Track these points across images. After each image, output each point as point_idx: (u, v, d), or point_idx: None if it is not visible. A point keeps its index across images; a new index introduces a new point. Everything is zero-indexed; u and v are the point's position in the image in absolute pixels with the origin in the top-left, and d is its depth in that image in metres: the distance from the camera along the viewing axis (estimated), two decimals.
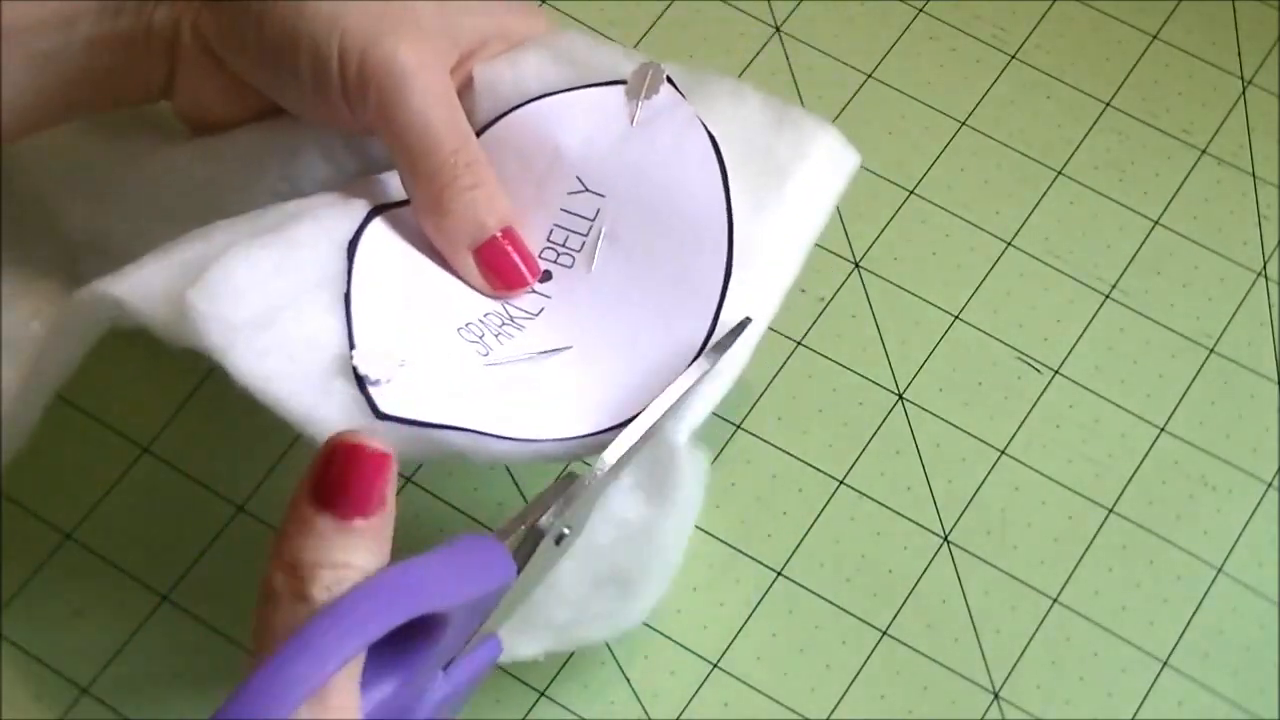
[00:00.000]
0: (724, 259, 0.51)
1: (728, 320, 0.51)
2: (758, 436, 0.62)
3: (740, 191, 0.52)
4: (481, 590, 0.43)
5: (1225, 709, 0.58)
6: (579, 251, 0.52)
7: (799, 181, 0.53)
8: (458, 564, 0.42)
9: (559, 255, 0.52)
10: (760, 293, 0.52)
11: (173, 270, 0.48)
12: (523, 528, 0.46)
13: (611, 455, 0.48)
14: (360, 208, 0.52)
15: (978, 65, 0.70)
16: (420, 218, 0.52)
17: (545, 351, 0.51)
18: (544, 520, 0.46)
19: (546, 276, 0.53)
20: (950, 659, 0.59)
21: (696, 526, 0.60)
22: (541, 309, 0.52)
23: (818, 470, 0.62)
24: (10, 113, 0.52)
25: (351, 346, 0.47)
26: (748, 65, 0.69)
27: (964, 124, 0.69)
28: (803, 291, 0.65)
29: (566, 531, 0.47)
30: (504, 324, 0.51)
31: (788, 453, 0.62)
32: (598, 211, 0.52)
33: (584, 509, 0.48)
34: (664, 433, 0.50)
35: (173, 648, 0.58)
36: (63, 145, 0.57)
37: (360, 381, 0.47)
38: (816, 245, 0.65)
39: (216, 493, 0.60)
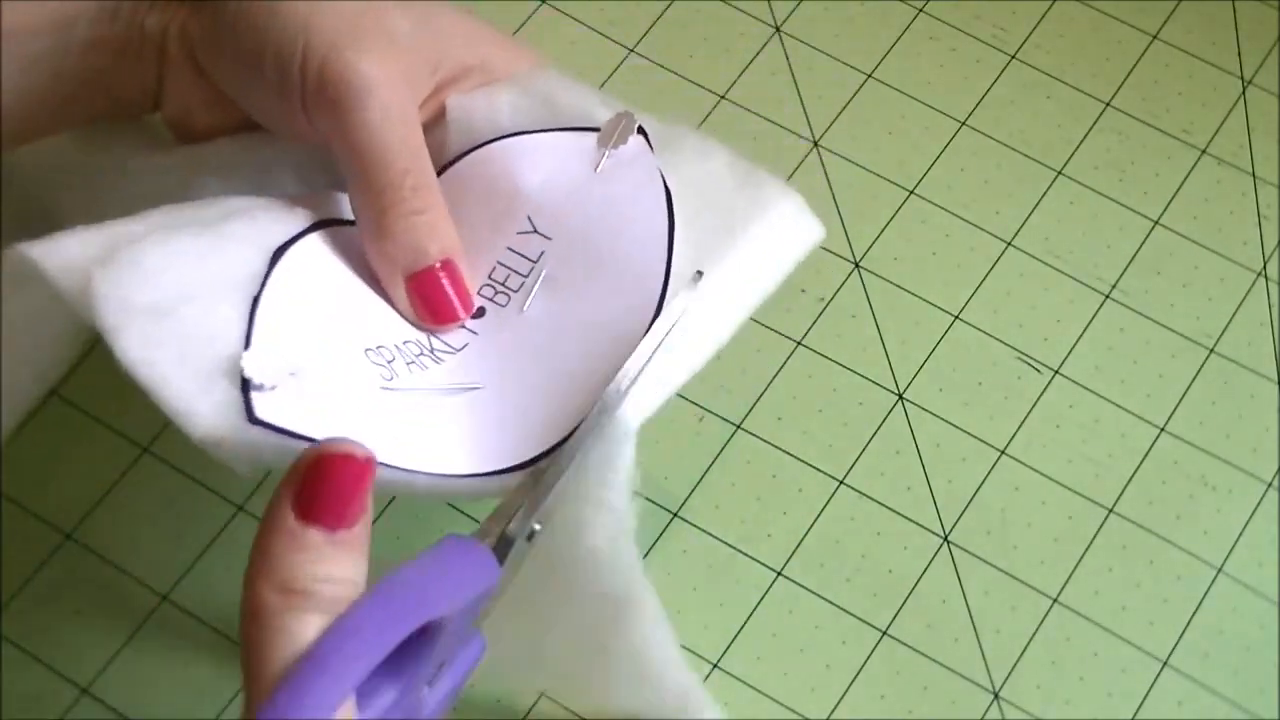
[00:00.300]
0: (652, 312, 0.50)
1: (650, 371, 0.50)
2: (758, 436, 0.62)
3: (686, 245, 0.51)
4: (474, 593, 0.43)
5: (1225, 709, 0.58)
6: (516, 291, 0.52)
7: (748, 243, 0.51)
8: (449, 569, 0.42)
9: (496, 293, 0.52)
10: (685, 350, 0.50)
11: (95, 245, 0.47)
12: (498, 529, 0.46)
13: (569, 451, 0.47)
14: (304, 218, 0.51)
15: (978, 65, 0.70)
16: (363, 236, 0.51)
17: (452, 387, 0.50)
18: (516, 521, 0.46)
19: (480, 313, 0.52)
20: (950, 659, 0.59)
21: (697, 526, 0.60)
22: (465, 344, 0.51)
23: (818, 470, 0.62)
24: (7, 117, 0.52)
25: (246, 348, 0.47)
26: (748, 65, 0.69)
27: (964, 124, 0.69)
28: (803, 292, 0.65)
29: (538, 528, 0.47)
30: (421, 354, 0.51)
31: (788, 453, 0.62)
32: (541, 254, 0.52)
33: (551, 503, 0.47)
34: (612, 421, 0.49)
35: (173, 648, 0.58)
36: (59, 152, 0.57)
37: (244, 384, 0.46)
38: (818, 245, 0.65)
39: (216, 493, 0.60)
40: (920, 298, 0.65)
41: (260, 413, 0.46)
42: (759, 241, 0.51)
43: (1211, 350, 0.64)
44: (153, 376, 0.46)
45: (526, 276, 0.52)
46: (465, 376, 0.50)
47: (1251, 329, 0.65)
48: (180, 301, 0.47)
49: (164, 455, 0.61)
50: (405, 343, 0.50)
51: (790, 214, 0.53)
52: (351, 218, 0.52)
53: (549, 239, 0.52)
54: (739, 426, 0.62)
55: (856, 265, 0.65)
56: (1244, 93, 0.70)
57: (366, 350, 0.49)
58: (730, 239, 0.51)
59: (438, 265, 0.51)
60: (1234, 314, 0.65)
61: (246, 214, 0.50)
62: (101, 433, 0.61)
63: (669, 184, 0.51)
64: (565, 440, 0.48)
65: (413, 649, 0.41)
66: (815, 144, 0.68)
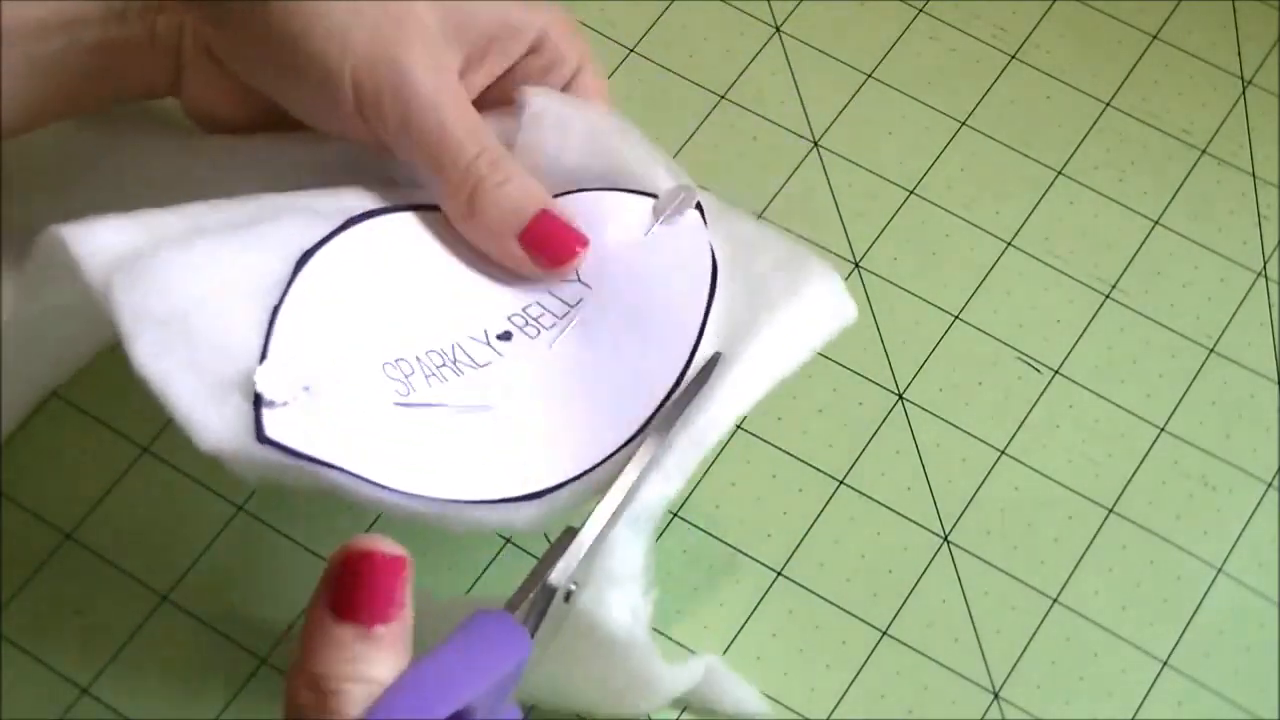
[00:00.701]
0: (677, 374, 0.50)
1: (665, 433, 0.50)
2: (758, 436, 0.62)
3: (721, 313, 0.51)
4: (502, 672, 0.42)
5: (1225, 709, 0.58)
6: (548, 329, 0.52)
7: (782, 317, 0.51)
8: (477, 650, 0.42)
9: (527, 323, 0.52)
10: (705, 416, 0.50)
11: (127, 233, 0.47)
12: (531, 595, 0.45)
13: (605, 509, 0.47)
14: (336, 217, 0.51)
15: (978, 65, 0.70)
16: (457, 224, 0.52)
17: (465, 406, 0.50)
18: (552, 580, 0.45)
19: (506, 337, 0.52)
20: (950, 659, 0.59)
21: (697, 526, 0.60)
22: (489, 363, 0.51)
23: (818, 470, 0.62)
24: (10, 111, 0.52)
25: (262, 360, 0.47)
26: (748, 65, 0.69)
27: (964, 124, 0.68)
28: None
29: (574, 588, 0.47)
30: (444, 364, 0.51)
31: (788, 453, 0.62)
32: (580, 300, 0.52)
33: (586, 562, 0.47)
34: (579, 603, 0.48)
35: (172, 646, 0.58)
36: (64, 140, 0.57)
37: (256, 399, 0.46)
38: (817, 245, 0.65)
39: (216, 493, 0.60)
40: (920, 298, 0.65)
41: (270, 431, 0.46)
42: (790, 321, 0.51)
43: (1211, 350, 0.64)
44: (165, 385, 0.46)
45: (560, 318, 0.52)
46: (480, 396, 0.50)
47: (1251, 329, 0.65)
48: (198, 310, 0.47)
49: (164, 455, 0.61)
50: (429, 352, 0.51)
51: (826, 294, 0.52)
52: (387, 204, 0.52)
53: (589, 288, 0.52)
54: (739, 426, 0.62)
55: (856, 265, 0.65)
56: (1244, 93, 0.70)
57: (385, 365, 0.49)
58: (765, 315, 0.51)
59: (542, 214, 0.52)
60: (1234, 314, 0.65)
61: (274, 217, 0.50)
62: (101, 433, 0.61)
63: (717, 260, 0.52)
64: (560, 486, 0.48)
65: None
66: (815, 144, 0.68)
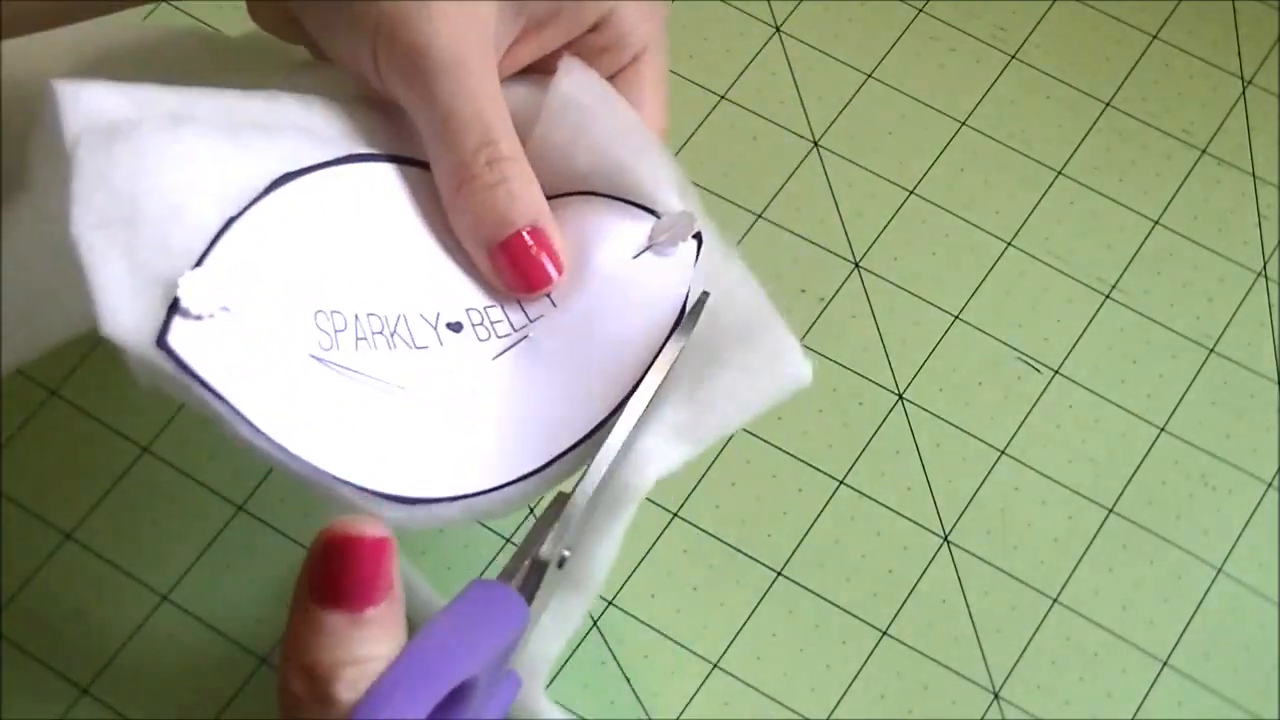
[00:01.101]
0: (600, 419, 0.48)
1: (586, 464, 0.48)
2: (758, 436, 0.62)
3: (668, 360, 0.49)
4: (503, 643, 0.42)
5: (1225, 709, 0.58)
6: (500, 337, 0.50)
7: (731, 371, 0.49)
8: (476, 623, 0.41)
9: (481, 323, 0.50)
10: (633, 470, 0.48)
11: (119, 99, 0.46)
12: (526, 563, 0.45)
13: (596, 472, 0.46)
14: (341, 147, 0.49)
15: (978, 65, 0.70)
16: (444, 205, 0.50)
17: (378, 381, 0.47)
18: (545, 550, 0.45)
19: (456, 328, 0.50)
20: (950, 659, 0.59)
21: (697, 526, 0.60)
22: (426, 347, 0.49)
23: (818, 470, 0.62)
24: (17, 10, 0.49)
25: (196, 265, 0.44)
26: (748, 65, 0.69)
27: (964, 124, 0.69)
28: (803, 292, 0.65)
29: (566, 554, 0.46)
30: (380, 332, 0.48)
31: (788, 453, 0.62)
32: (539, 317, 0.50)
33: (579, 528, 0.47)
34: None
35: (172, 647, 0.58)
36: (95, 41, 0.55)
37: (173, 304, 0.44)
38: (817, 245, 0.65)
39: (216, 493, 0.60)
40: (920, 298, 0.65)
41: (171, 339, 0.43)
42: (743, 372, 0.49)
43: (1211, 350, 0.64)
44: (92, 258, 0.44)
45: (515, 330, 0.50)
46: (400, 377, 0.48)
47: (1251, 329, 0.65)
48: (154, 196, 0.45)
49: (164, 455, 0.61)
50: (370, 315, 0.48)
51: (782, 355, 0.50)
52: (392, 153, 0.50)
53: (554, 306, 0.50)
54: None
55: (856, 265, 0.65)
56: (1244, 93, 0.70)
57: (319, 311, 0.47)
58: (710, 371, 0.49)
59: (524, 232, 0.49)
60: (1234, 314, 0.65)
61: (269, 130, 0.48)
62: (101, 433, 0.61)
63: (689, 301, 0.50)
64: (433, 501, 0.46)
65: (446, 707, 0.40)
66: (815, 144, 0.68)
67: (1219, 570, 0.61)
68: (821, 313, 0.64)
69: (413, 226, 0.51)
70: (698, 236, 0.50)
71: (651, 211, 0.50)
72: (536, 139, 0.51)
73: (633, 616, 0.59)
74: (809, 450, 0.62)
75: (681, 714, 0.58)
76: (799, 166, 0.67)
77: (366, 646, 0.39)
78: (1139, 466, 0.62)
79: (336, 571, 0.39)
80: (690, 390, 0.48)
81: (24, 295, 0.48)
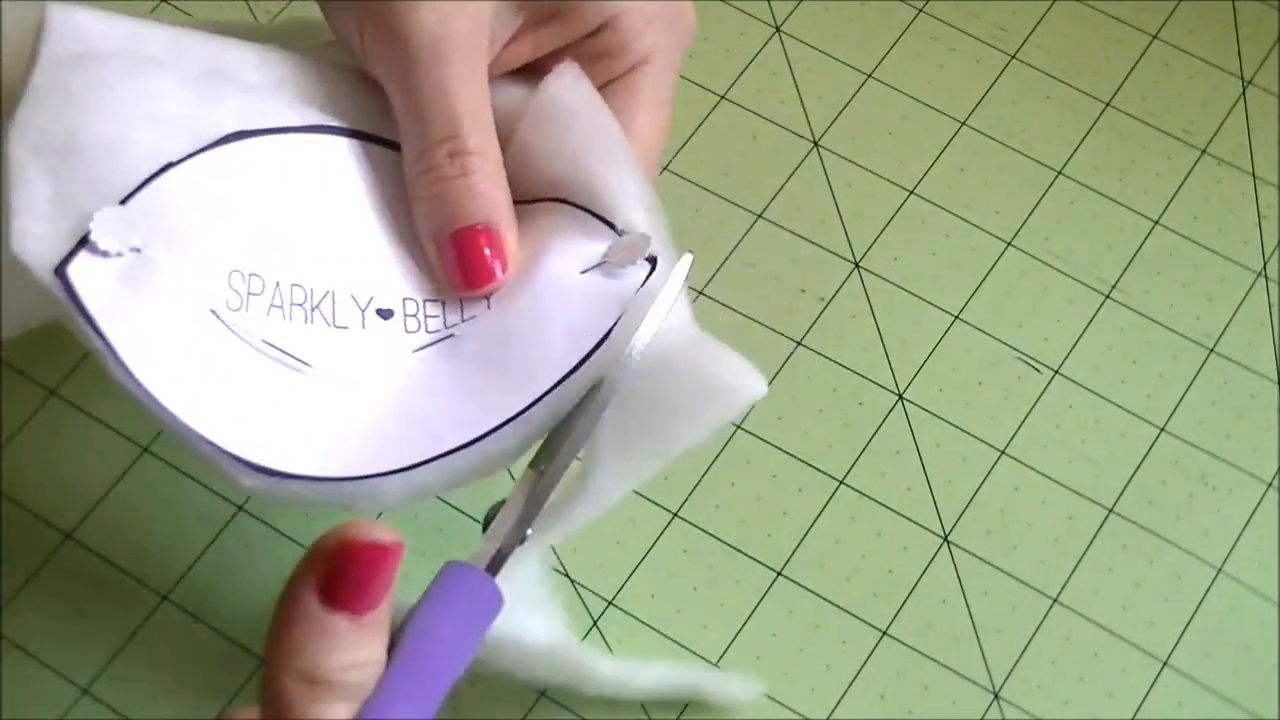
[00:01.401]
0: (493, 424, 0.47)
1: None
2: (758, 436, 0.62)
3: (592, 370, 0.47)
4: (484, 631, 0.42)
5: (1225, 709, 0.58)
6: (428, 333, 0.49)
7: (679, 384, 0.48)
8: (461, 617, 0.41)
9: (414, 315, 0.49)
10: (595, 487, 0.48)
11: (102, 29, 0.45)
12: (495, 548, 0.45)
13: (568, 455, 0.46)
14: (310, 117, 0.49)
15: (978, 65, 0.70)
16: (408, 193, 0.50)
17: (281, 353, 0.47)
18: (509, 537, 0.45)
19: (386, 315, 0.49)
20: (950, 659, 0.59)
21: (697, 526, 0.60)
22: (346, 328, 0.48)
23: (818, 470, 0.62)
24: None
25: (122, 201, 0.44)
26: (748, 65, 0.69)
27: (964, 124, 0.68)
28: (803, 292, 0.65)
29: (529, 533, 0.46)
30: (300, 304, 0.47)
31: (788, 453, 0.62)
32: (472, 317, 0.49)
33: (540, 510, 0.46)
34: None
35: (173, 648, 0.58)
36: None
37: (84, 237, 0.44)
38: (817, 245, 0.65)
39: (216, 493, 0.60)
40: (920, 298, 0.65)
41: (71, 270, 0.43)
42: (691, 384, 0.48)
43: (1211, 350, 0.64)
44: (19, 175, 0.44)
45: (445, 328, 0.49)
46: (307, 354, 0.47)
47: (1251, 329, 0.65)
48: (96, 131, 0.44)
49: (164, 455, 0.61)
50: (294, 285, 0.48)
51: (732, 370, 0.48)
52: (368, 130, 0.50)
53: (488, 309, 0.49)
54: (739, 427, 0.62)
55: (856, 265, 0.65)
56: (1244, 93, 0.70)
57: (235, 271, 0.46)
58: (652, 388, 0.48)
59: (476, 228, 0.48)
60: (1234, 314, 0.65)
61: (256, 87, 0.48)
62: (101, 433, 0.61)
63: (619, 326, 0.47)
64: (321, 480, 0.45)
65: None
66: (815, 144, 0.68)
67: (1219, 570, 0.60)
68: (821, 313, 0.64)
69: (373, 207, 0.50)
70: (653, 261, 0.48)
71: (614, 229, 0.49)
72: (518, 140, 0.50)
73: (633, 616, 0.59)
74: (809, 450, 0.62)
75: (681, 714, 0.58)
76: (799, 166, 0.67)
77: (365, 650, 0.39)
78: (1139, 466, 0.62)
79: (350, 574, 0.38)
80: (644, 418, 0.48)
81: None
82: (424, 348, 0.49)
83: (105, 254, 0.44)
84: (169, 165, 0.45)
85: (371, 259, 0.50)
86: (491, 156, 0.49)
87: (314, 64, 0.51)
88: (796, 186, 0.67)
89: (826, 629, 0.59)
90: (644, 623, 0.59)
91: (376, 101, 0.51)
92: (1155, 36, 0.71)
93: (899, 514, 0.61)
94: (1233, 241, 0.67)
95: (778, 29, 0.70)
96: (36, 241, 0.44)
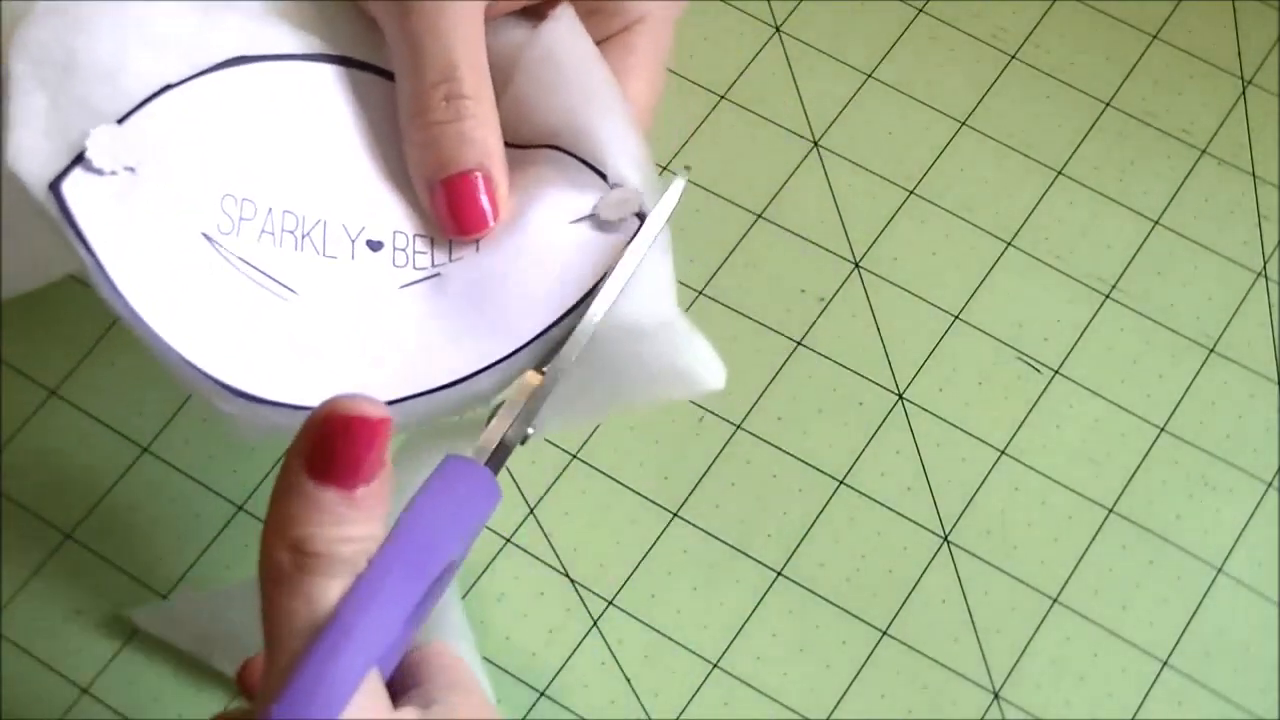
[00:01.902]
0: (470, 369, 0.47)
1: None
2: (758, 436, 0.62)
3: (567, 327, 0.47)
4: (481, 523, 0.42)
5: (1225, 709, 0.58)
6: (416, 269, 0.49)
7: (640, 359, 0.48)
8: (459, 504, 0.41)
9: (403, 249, 0.49)
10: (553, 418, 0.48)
11: None
12: (495, 441, 0.44)
13: (568, 355, 0.46)
14: (311, 46, 0.49)
15: (978, 65, 0.70)
16: (400, 134, 0.49)
17: (269, 279, 0.46)
18: (512, 432, 0.45)
19: (376, 247, 0.48)
20: (950, 659, 0.59)
21: (697, 526, 0.60)
22: (335, 258, 0.48)
23: (818, 470, 0.62)
24: None
25: (118, 121, 0.44)
26: (748, 65, 0.69)
27: (964, 124, 0.69)
28: (803, 292, 0.65)
29: (530, 432, 0.46)
30: (292, 231, 0.47)
31: (788, 453, 0.62)
32: (459, 259, 0.49)
33: (540, 409, 0.46)
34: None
35: (172, 647, 0.58)
36: None
37: (79, 154, 0.44)
38: (817, 245, 0.65)
39: (216, 493, 0.60)
40: (920, 298, 0.65)
41: (65, 187, 0.43)
42: (655, 359, 0.48)
43: (1211, 350, 0.64)
44: (18, 89, 0.44)
45: (433, 265, 0.49)
46: (295, 280, 0.47)
47: (1251, 329, 0.65)
48: (96, 50, 0.45)
49: (164, 455, 0.61)
50: (286, 212, 0.47)
51: (697, 357, 0.48)
52: (368, 61, 0.50)
53: (476, 252, 0.49)
54: (739, 426, 0.62)
55: (856, 265, 0.65)
56: (1244, 93, 0.70)
57: (228, 195, 0.46)
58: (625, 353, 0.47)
59: (469, 173, 0.48)
60: (1234, 314, 0.65)
61: (259, 13, 0.47)
62: (101, 433, 0.61)
63: (604, 285, 0.47)
64: (301, 408, 0.45)
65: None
66: (815, 144, 0.68)
67: (1219, 570, 0.60)
68: (821, 313, 0.64)
69: (368, 138, 0.50)
70: (642, 217, 0.48)
71: (604, 180, 0.49)
72: (514, 86, 0.50)
73: (633, 616, 0.59)
74: (809, 450, 0.62)
75: (681, 714, 0.58)
76: (799, 166, 0.67)
77: (359, 526, 0.39)
78: (1139, 466, 0.62)
79: (336, 448, 0.39)
80: (598, 373, 0.47)
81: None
82: (411, 284, 0.49)
83: (100, 172, 0.44)
84: (167, 87, 0.45)
85: (365, 190, 0.50)
86: (486, 101, 0.49)
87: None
88: (796, 186, 0.67)
89: (826, 629, 0.59)
90: (644, 623, 0.59)
91: (374, 32, 0.50)
92: (1155, 36, 0.71)
93: (899, 514, 0.61)
94: (1233, 241, 0.67)
95: (778, 29, 0.70)
96: (32, 156, 0.44)
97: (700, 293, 0.64)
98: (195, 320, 0.45)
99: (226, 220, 0.46)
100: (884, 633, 0.59)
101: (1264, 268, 0.66)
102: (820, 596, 0.60)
